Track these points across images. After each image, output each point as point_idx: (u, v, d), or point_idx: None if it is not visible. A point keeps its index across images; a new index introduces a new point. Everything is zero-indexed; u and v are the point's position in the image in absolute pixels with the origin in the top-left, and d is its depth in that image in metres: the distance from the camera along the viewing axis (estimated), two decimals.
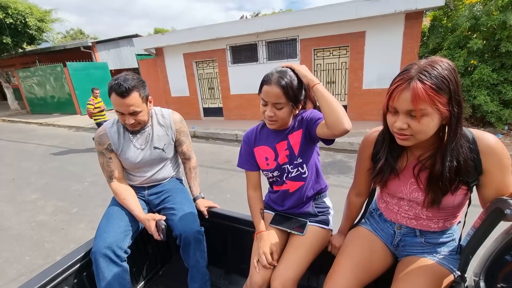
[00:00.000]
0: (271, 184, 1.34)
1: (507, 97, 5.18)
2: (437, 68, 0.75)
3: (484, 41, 5.43)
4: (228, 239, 1.64)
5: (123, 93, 1.25)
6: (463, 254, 0.95)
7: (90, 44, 12.54)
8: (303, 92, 1.14)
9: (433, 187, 0.87)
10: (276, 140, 1.21)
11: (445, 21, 6.34)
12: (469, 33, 5.61)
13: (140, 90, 1.32)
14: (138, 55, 11.18)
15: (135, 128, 1.41)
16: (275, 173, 1.24)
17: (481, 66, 5.34)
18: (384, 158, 0.96)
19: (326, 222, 1.26)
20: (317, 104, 1.17)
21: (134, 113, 1.32)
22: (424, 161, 0.90)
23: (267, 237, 1.20)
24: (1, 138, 8.34)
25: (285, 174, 1.23)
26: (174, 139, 1.57)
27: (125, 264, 1.33)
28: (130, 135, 1.45)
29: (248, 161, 1.29)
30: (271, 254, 1.14)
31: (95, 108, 5.69)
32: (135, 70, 11.25)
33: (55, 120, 10.73)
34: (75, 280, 1.27)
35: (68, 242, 2.87)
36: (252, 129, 1.32)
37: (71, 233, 3.04)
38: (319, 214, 1.27)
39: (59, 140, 7.80)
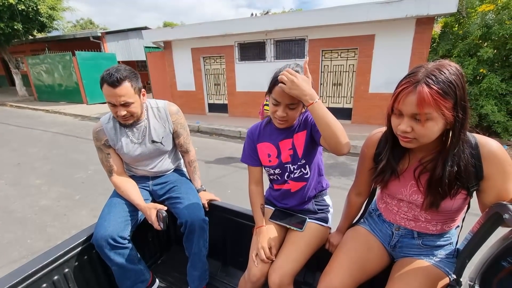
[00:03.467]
0: (271, 181, 1.35)
1: None
2: (444, 73, 0.75)
3: (495, 50, 5.36)
4: (227, 232, 1.66)
5: (114, 82, 1.24)
6: (459, 258, 0.96)
7: (99, 34, 12.60)
8: None
9: (433, 190, 0.88)
10: (280, 138, 1.22)
11: (456, 28, 6.28)
12: (480, 41, 5.55)
13: (132, 81, 1.30)
14: (146, 47, 11.21)
15: (128, 121, 1.37)
16: (277, 171, 1.25)
17: (490, 75, 5.29)
18: (386, 159, 0.97)
19: (325, 220, 1.28)
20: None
21: (126, 104, 1.29)
22: (426, 164, 0.90)
23: (266, 232, 1.21)
24: (9, 123, 8.44)
25: (287, 173, 1.24)
26: (171, 131, 1.55)
27: (129, 245, 1.37)
28: (127, 130, 1.44)
29: (251, 156, 1.30)
30: (270, 249, 1.16)
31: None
32: (143, 63, 11.29)
33: (62, 108, 10.82)
34: (76, 263, 1.30)
35: (69, 228, 2.91)
36: (256, 125, 1.33)
37: (73, 219, 3.09)
38: (319, 211, 1.28)
39: (64, 127, 7.88)
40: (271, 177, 1.31)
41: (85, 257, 1.34)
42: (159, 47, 9.62)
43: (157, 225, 1.41)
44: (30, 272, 1.09)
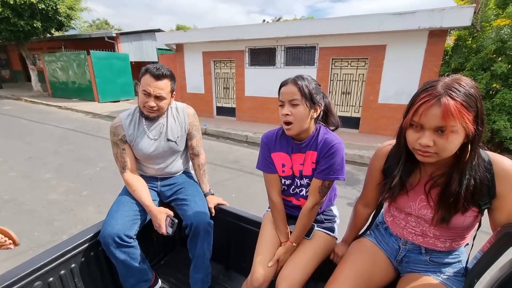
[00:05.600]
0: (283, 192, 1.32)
1: None
2: (464, 86, 0.75)
3: (509, 65, 5.28)
4: (231, 236, 1.66)
5: (159, 76, 1.36)
6: (468, 277, 0.94)
7: (114, 34, 12.87)
8: (321, 97, 1.13)
9: (444, 205, 0.87)
10: (294, 150, 1.20)
11: (469, 42, 6.20)
12: (494, 56, 5.47)
13: (171, 81, 1.44)
14: (158, 49, 11.41)
15: (152, 114, 1.44)
16: (287, 181, 1.25)
17: (503, 90, 5.20)
18: (399, 176, 0.94)
19: (332, 230, 1.27)
20: (332, 119, 1.20)
21: (159, 98, 1.40)
22: (436, 178, 0.89)
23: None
24: (23, 118, 8.66)
25: (293, 187, 1.24)
26: (186, 132, 1.61)
27: (135, 244, 1.38)
28: (145, 126, 1.49)
29: (270, 163, 1.25)
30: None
31: None
32: (155, 64, 11.50)
33: (74, 105, 11.05)
34: (83, 259, 1.32)
35: (76, 223, 2.95)
36: (273, 132, 1.27)
37: (79, 214, 3.14)
38: (326, 221, 1.28)
39: (76, 124, 8.04)
40: (282, 187, 1.30)
41: (92, 253, 1.36)
42: (171, 50, 9.78)
43: (164, 231, 1.41)
44: (38, 265, 1.11)
